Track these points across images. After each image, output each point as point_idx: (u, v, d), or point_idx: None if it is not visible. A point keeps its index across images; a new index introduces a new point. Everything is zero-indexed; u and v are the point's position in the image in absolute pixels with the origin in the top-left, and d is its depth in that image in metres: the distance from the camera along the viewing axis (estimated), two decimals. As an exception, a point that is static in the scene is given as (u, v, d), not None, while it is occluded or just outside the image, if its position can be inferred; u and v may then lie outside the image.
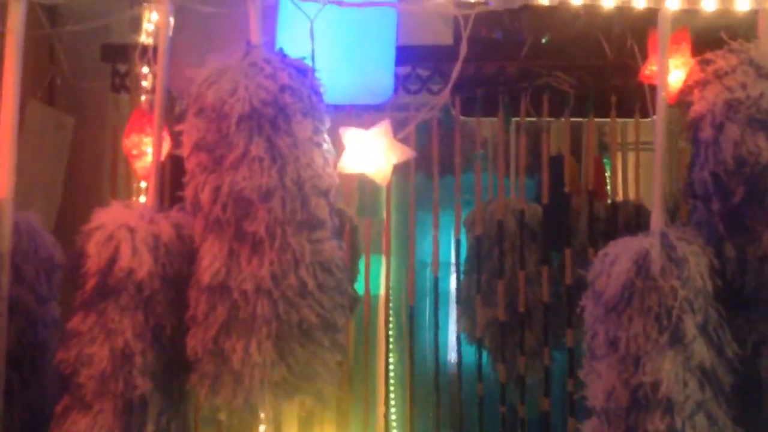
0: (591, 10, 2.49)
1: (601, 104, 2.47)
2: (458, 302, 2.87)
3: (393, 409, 2.86)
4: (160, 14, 1.86)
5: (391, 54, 2.44)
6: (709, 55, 1.69)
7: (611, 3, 1.78)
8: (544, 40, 2.46)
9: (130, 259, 1.62)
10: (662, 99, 1.74)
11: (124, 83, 2.66)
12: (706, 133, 1.63)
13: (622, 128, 3.23)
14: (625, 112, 2.49)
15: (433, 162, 2.54)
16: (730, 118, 1.59)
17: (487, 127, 3.03)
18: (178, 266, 1.67)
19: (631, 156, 2.87)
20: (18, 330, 1.73)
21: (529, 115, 2.50)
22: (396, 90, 2.48)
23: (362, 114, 2.40)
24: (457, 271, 2.90)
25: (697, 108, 1.67)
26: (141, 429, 1.57)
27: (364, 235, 2.53)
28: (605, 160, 3.33)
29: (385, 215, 2.65)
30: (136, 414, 1.57)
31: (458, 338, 2.65)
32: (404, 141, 1.82)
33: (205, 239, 1.64)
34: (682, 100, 1.78)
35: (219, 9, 1.97)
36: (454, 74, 1.83)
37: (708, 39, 1.82)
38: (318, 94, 1.72)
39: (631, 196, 2.80)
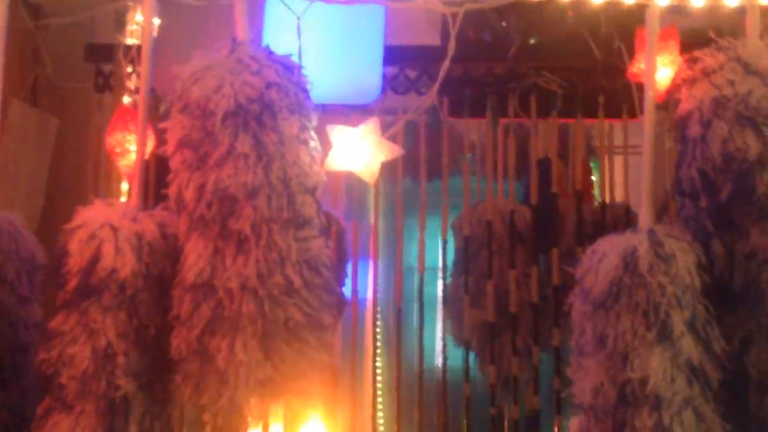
0: (578, 11, 2.51)
1: (588, 105, 2.47)
2: (445, 304, 2.87)
3: (381, 413, 2.84)
4: (145, 12, 1.83)
5: (378, 54, 2.43)
6: (697, 53, 1.69)
7: (599, 1, 1.77)
8: (532, 41, 2.46)
9: (112, 258, 1.60)
10: (650, 97, 1.74)
11: (108, 83, 2.64)
12: (694, 130, 1.63)
13: (609, 131, 3.26)
14: (613, 112, 2.49)
15: (421, 164, 2.53)
16: (718, 115, 1.59)
17: (474, 129, 3.03)
18: (161, 265, 1.65)
19: (617, 159, 2.89)
20: (-1, 331, 1.70)
21: (517, 116, 2.50)
22: (383, 90, 2.47)
23: (349, 114, 2.38)
24: (444, 274, 2.89)
25: (685, 105, 1.67)
26: (124, 430, 1.54)
27: (351, 238, 2.51)
28: (592, 164, 3.35)
29: (372, 219, 2.65)
30: (119, 415, 1.55)
31: (444, 341, 2.65)
32: (392, 139, 1.81)
33: (189, 237, 1.62)
34: (671, 98, 1.79)
35: (204, 3, 1.95)
36: (442, 73, 1.83)
37: (695, 37, 1.82)
38: (305, 91, 1.71)
39: (618, 199, 2.82)
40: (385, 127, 2.01)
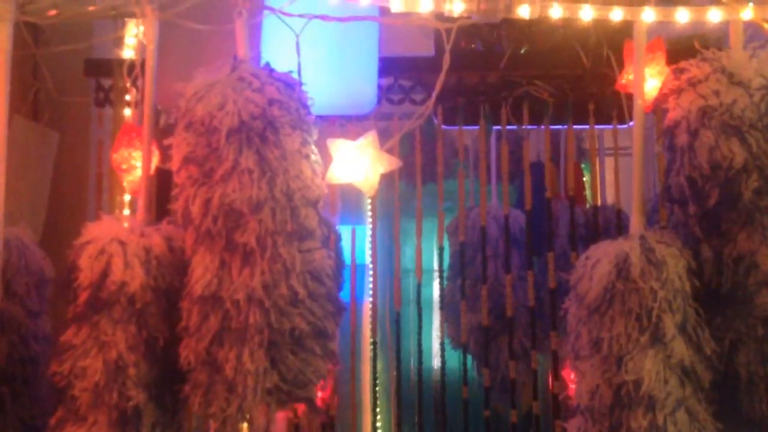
0: (568, 22, 2.57)
1: (579, 112, 2.54)
2: (442, 308, 2.93)
3: (379, 416, 2.89)
4: (147, 29, 1.88)
5: (373, 65, 2.48)
6: (683, 64, 1.75)
7: (589, 16, 1.83)
8: (522, 51, 2.51)
9: (122, 273, 1.64)
10: (639, 106, 1.80)
11: (108, 98, 2.68)
12: (682, 139, 1.69)
13: (599, 135, 3.33)
14: (602, 119, 2.55)
15: (417, 171, 2.59)
16: (705, 124, 1.65)
17: (467, 135, 3.09)
18: (169, 278, 1.69)
19: (608, 161, 2.96)
20: (9, 344, 1.74)
21: (509, 124, 2.56)
22: (379, 100, 2.52)
23: (346, 124, 2.44)
24: (441, 278, 2.95)
25: (673, 115, 1.73)
26: (136, 439, 1.59)
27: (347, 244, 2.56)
28: (583, 166, 3.42)
29: (369, 224, 2.69)
30: (131, 425, 1.59)
31: (442, 344, 2.70)
32: (389, 151, 1.86)
33: (196, 251, 1.66)
34: (658, 108, 1.85)
35: (205, 25, 2.00)
36: (438, 85, 1.88)
37: (681, 48, 1.89)
38: (306, 107, 1.76)
39: (609, 200, 2.89)
40: (380, 135, 2.06)
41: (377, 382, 2.78)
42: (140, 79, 2.00)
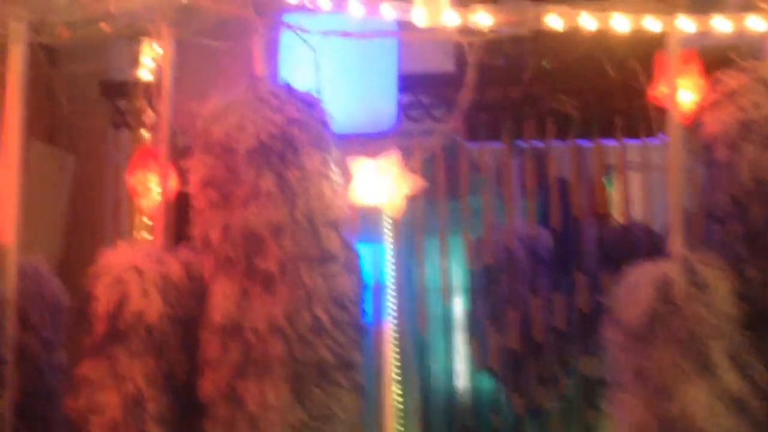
0: (594, 35, 2.50)
1: (605, 126, 2.46)
2: (468, 330, 2.83)
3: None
4: (164, 50, 1.83)
5: (393, 82, 2.43)
6: (720, 76, 1.67)
7: (621, 26, 1.76)
8: (545, 65, 2.44)
9: (139, 302, 1.58)
10: (674, 120, 1.72)
11: (124, 120, 2.64)
12: (722, 154, 1.60)
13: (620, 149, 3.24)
14: (630, 133, 2.47)
15: (439, 189, 2.51)
16: (745, 138, 1.57)
17: (488, 151, 3.00)
18: (188, 306, 1.63)
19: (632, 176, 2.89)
20: (25, 377, 1.68)
21: (534, 139, 2.48)
22: (398, 118, 2.46)
23: (365, 142, 2.37)
24: (471, 298, 2.85)
25: (711, 129, 1.65)
26: (155, 477, 1.52)
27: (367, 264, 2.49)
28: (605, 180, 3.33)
29: (388, 242, 2.62)
30: (150, 462, 1.52)
31: (469, 367, 2.62)
32: (412, 170, 1.79)
33: (215, 278, 1.60)
34: (694, 122, 1.77)
35: (222, 43, 1.95)
36: (462, 104, 1.81)
37: (716, 59, 1.80)
38: (326, 125, 1.70)
39: (635, 215, 2.80)
40: (401, 152, 1.99)
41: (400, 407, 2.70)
42: (157, 100, 1.96)
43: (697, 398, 1.39)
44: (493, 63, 2.63)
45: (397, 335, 2.72)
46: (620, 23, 1.63)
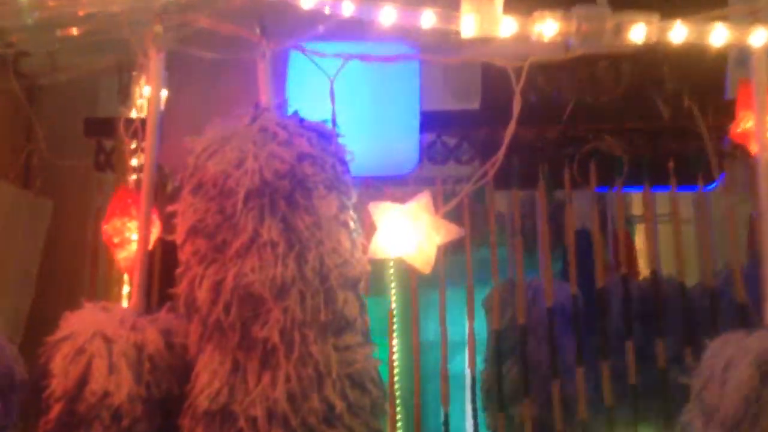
0: (636, 64, 2.23)
1: (656, 171, 2.16)
2: (481, 394, 2.51)
3: None
4: (151, 79, 1.55)
5: (414, 120, 2.14)
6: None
7: (720, 40, 1.45)
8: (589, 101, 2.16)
9: (105, 379, 1.26)
10: (765, 160, 1.42)
11: (109, 161, 2.35)
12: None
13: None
14: (684, 179, 2.17)
15: (466, 240, 2.20)
16: None
17: (500, 202, 2.73)
18: (166, 386, 1.30)
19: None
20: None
21: (575, 186, 2.18)
22: (419, 160, 2.17)
23: (383, 186, 2.08)
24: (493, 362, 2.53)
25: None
26: None
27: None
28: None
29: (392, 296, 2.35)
30: None
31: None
32: (449, 217, 1.49)
33: (202, 350, 1.28)
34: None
35: (218, 56, 1.68)
36: (508, 136, 1.52)
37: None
38: (343, 163, 1.40)
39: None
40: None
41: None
42: (142, 137, 1.67)
43: None
44: (525, 100, 2.36)
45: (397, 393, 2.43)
46: (719, 37, 1.32)
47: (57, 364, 1.29)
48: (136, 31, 1.64)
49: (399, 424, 2.91)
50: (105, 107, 2.49)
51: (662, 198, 2.28)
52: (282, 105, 1.46)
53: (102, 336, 1.30)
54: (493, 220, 2.24)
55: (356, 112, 2.01)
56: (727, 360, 1.27)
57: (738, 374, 1.23)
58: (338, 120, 1.77)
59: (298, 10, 1.42)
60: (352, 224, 1.38)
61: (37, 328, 1.91)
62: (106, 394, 1.25)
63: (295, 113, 1.43)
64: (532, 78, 2.31)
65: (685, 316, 2.09)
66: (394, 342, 2.72)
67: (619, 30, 1.23)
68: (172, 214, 1.37)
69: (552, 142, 2.20)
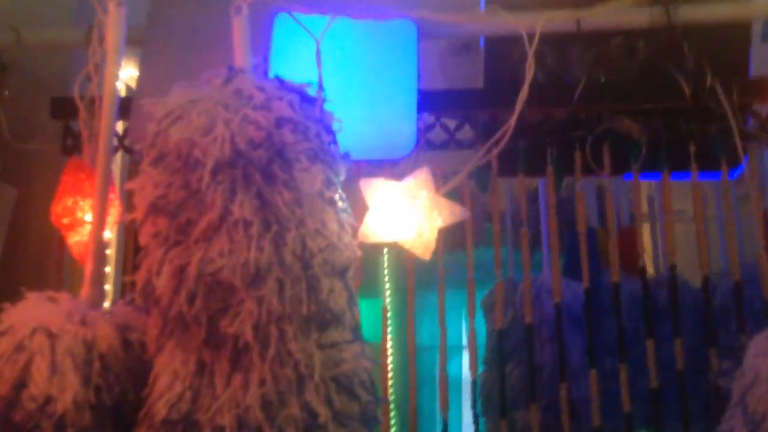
0: (652, 40, 2.05)
1: (676, 157, 1.97)
2: (480, 399, 2.34)
3: None
4: (109, 36, 1.36)
5: (412, 99, 1.96)
6: None
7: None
8: (602, 80, 1.98)
9: (46, 382, 1.06)
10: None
11: (78, 145, 2.15)
12: None
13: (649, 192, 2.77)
14: (705, 164, 1.98)
15: (467, 232, 2.01)
16: None
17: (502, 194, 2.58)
18: (120, 390, 1.11)
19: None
20: None
21: (588, 171, 1.99)
22: (417, 143, 1.98)
23: (376, 172, 1.89)
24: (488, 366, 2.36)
25: None
26: None
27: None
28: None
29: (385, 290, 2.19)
30: None
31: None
32: (453, 196, 1.30)
33: (162, 347, 1.09)
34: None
35: (202, 31, 1.49)
36: (518, 107, 1.33)
37: None
38: (330, 132, 1.21)
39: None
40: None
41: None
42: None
43: None
44: (532, 79, 2.17)
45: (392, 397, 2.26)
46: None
47: (-9, 364, 1.09)
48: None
49: (393, 430, 2.75)
50: (81, 87, 2.31)
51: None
52: (260, 65, 1.27)
53: (45, 331, 1.11)
54: (497, 212, 2.06)
55: (348, 91, 1.83)
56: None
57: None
58: (332, 99, 1.60)
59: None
60: (340, 203, 1.19)
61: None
62: (47, 400, 1.06)
63: (276, 75, 1.24)
64: (541, 56, 2.15)
65: (703, 315, 1.91)
66: (388, 345, 2.56)
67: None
68: (133, 192, 1.18)
69: (561, 124, 2.01)
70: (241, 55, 1.28)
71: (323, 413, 1.04)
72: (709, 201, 2.38)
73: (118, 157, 2.25)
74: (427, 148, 2.07)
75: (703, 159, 1.96)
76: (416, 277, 2.16)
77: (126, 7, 1.45)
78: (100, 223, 1.24)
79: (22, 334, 1.11)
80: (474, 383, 2.10)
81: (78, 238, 1.31)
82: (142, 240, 1.14)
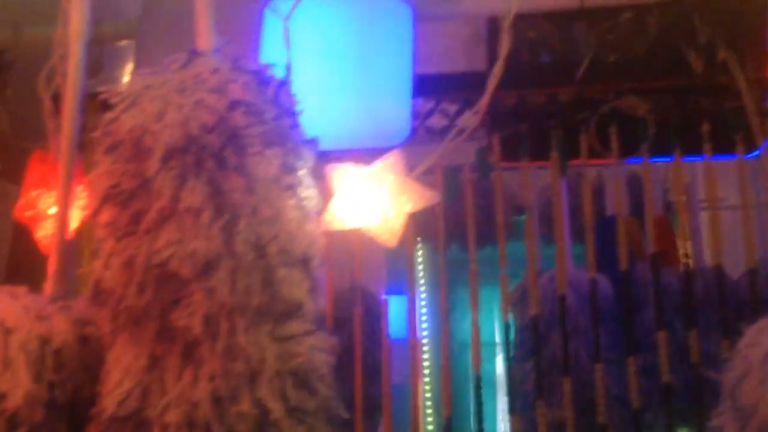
0: (663, 16, 1.95)
1: (688, 137, 1.86)
2: (509, 397, 2.28)
3: None
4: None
5: (406, 85, 1.89)
6: None
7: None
8: (611, 59, 1.88)
9: (-4, 378, 1.04)
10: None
11: (80, 141, 2.15)
12: None
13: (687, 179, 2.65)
14: (719, 146, 1.87)
15: (469, 224, 1.94)
16: None
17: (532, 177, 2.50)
18: (75, 386, 1.08)
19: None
20: None
21: (593, 155, 1.89)
22: (416, 129, 1.92)
23: (370, 160, 1.83)
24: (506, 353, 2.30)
25: None
26: None
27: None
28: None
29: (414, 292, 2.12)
30: None
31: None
32: (424, 180, 1.23)
33: (113, 342, 1.05)
34: None
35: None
36: (491, 85, 1.26)
37: None
38: (291, 115, 1.16)
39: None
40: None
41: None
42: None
43: None
44: (536, 60, 2.09)
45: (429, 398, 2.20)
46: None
47: (-55, 360, 1.07)
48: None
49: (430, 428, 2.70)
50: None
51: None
52: (224, 49, 1.22)
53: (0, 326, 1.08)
54: (501, 201, 1.97)
55: (340, 77, 1.77)
56: (764, 353, 0.99)
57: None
58: (319, 84, 1.56)
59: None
60: (302, 190, 1.13)
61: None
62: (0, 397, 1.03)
63: (236, 57, 1.19)
64: (545, 36, 2.06)
65: (722, 308, 1.80)
66: (425, 341, 2.50)
67: None
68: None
69: (566, 105, 1.92)
70: (204, 37, 1.24)
71: (276, 409, 0.99)
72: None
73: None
74: (427, 135, 2.01)
75: (718, 139, 1.85)
76: (454, 273, 2.11)
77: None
78: (63, 217, 1.22)
79: (-24, 330, 1.08)
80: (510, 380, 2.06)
81: (45, 232, 1.29)
82: (98, 232, 1.10)
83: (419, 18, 1.87)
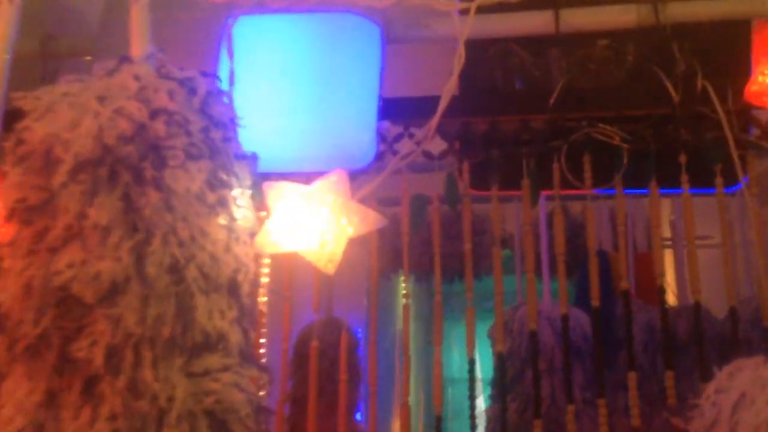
0: (640, 42, 1.88)
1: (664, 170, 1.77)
2: None
3: None
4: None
5: (371, 106, 1.80)
6: None
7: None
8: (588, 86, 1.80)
9: None
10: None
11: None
12: None
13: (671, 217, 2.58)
14: (698, 179, 1.77)
15: (434, 252, 1.84)
16: None
17: (510, 209, 2.42)
18: (-38, 423, 0.96)
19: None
20: None
21: (567, 186, 1.79)
22: (382, 154, 1.82)
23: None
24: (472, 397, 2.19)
25: None
26: None
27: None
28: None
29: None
30: None
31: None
32: (367, 202, 1.13)
33: (8, 373, 0.94)
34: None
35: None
36: (444, 99, 1.18)
37: None
38: (223, 127, 1.06)
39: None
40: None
41: None
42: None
43: None
44: (509, 86, 2.00)
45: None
46: None
47: None
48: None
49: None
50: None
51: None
52: (156, 56, 1.12)
53: None
54: (469, 231, 1.86)
55: (299, 93, 1.69)
56: (739, 395, 0.89)
57: (749, 413, 0.86)
58: (280, 105, 1.49)
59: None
60: (236, 210, 1.03)
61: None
62: None
63: (164, 62, 1.09)
64: (519, 61, 1.98)
65: (699, 347, 1.69)
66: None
67: None
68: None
69: (539, 133, 1.83)
70: (137, 44, 1.14)
71: (185, 454, 0.87)
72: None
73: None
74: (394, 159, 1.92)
75: (699, 172, 1.76)
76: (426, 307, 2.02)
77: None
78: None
79: None
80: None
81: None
82: (0, 250, 0.99)
83: (390, 40, 1.80)
